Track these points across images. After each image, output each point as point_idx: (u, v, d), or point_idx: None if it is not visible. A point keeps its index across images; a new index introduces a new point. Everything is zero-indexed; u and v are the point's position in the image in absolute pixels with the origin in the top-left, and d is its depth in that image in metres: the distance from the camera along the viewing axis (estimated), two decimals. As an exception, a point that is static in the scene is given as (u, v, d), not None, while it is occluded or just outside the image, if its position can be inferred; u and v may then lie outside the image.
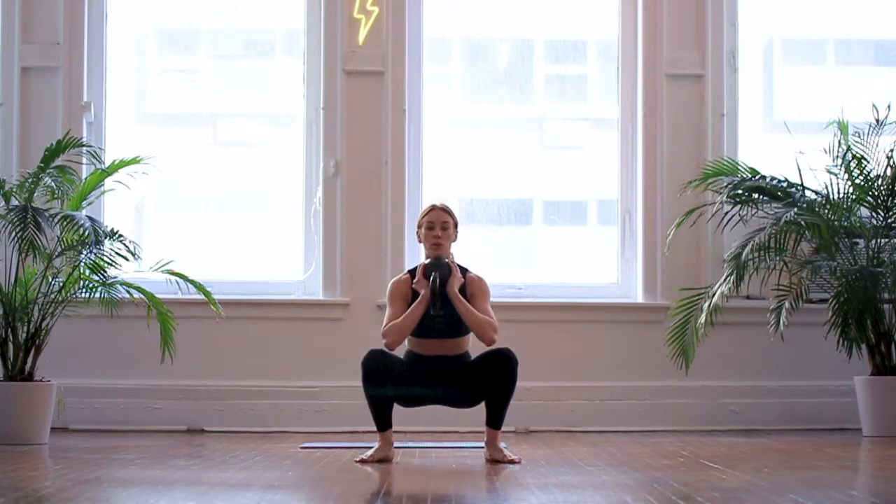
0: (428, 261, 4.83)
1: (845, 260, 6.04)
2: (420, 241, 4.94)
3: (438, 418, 6.23)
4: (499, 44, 6.94)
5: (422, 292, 4.77)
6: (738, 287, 5.94)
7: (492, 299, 4.90)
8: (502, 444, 4.84)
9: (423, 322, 4.77)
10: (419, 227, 4.91)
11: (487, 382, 4.75)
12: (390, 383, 4.72)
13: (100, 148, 6.21)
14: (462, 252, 5.05)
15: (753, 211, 6.19)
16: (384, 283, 5.95)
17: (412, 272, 4.88)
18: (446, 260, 4.82)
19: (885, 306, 6.01)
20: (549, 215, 6.93)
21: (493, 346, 4.76)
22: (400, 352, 4.87)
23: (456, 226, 4.92)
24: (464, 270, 4.86)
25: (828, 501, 3.63)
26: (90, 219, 5.62)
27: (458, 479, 4.30)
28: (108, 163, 6.05)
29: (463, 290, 4.80)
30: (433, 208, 4.89)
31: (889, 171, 6.05)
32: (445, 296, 4.75)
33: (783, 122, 6.59)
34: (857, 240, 6.10)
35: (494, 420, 4.80)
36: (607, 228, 6.77)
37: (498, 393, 4.76)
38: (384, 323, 4.82)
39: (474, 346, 4.84)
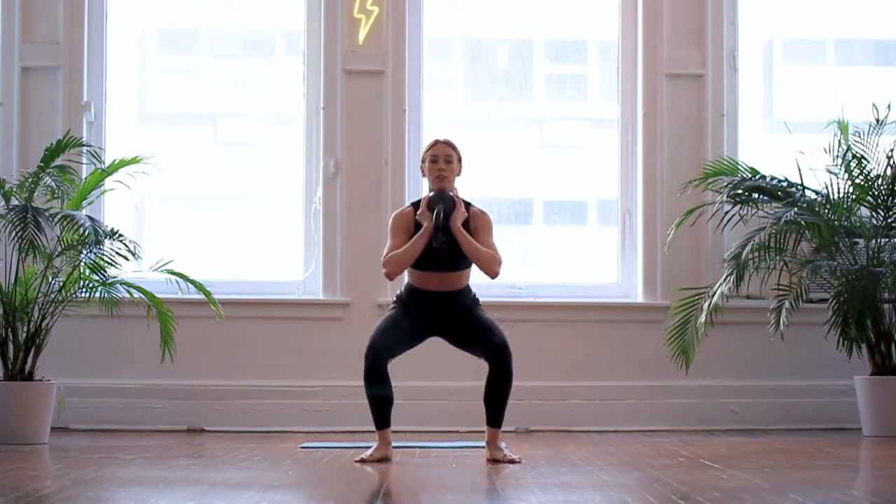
0: (432, 193, 4.84)
1: (845, 260, 6.04)
2: (424, 175, 4.95)
3: (438, 418, 6.24)
4: (499, 44, 6.94)
5: (425, 224, 4.78)
6: (738, 287, 5.94)
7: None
8: (502, 444, 4.84)
9: (425, 254, 4.78)
10: (423, 161, 4.93)
11: (483, 345, 4.78)
12: (394, 346, 4.79)
13: (100, 148, 6.21)
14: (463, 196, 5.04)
15: (753, 211, 6.19)
16: (384, 283, 5.95)
17: (415, 205, 4.90)
18: (451, 193, 4.83)
19: (885, 306, 6.01)
20: (549, 215, 6.93)
21: (493, 339, 4.75)
22: (400, 284, 4.88)
23: (460, 160, 4.94)
24: (467, 205, 4.88)
25: (828, 501, 3.63)
26: (90, 218, 5.62)
27: (458, 479, 4.30)
28: (108, 162, 6.05)
29: (467, 224, 4.82)
30: (437, 143, 4.92)
31: (889, 171, 6.06)
32: (449, 229, 4.76)
33: (783, 122, 6.59)
34: (857, 240, 6.10)
35: (494, 419, 4.81)
36: (607, 228, 6.77)
37: (495, 389, 4.77)
38: (384, 253, 4.83)
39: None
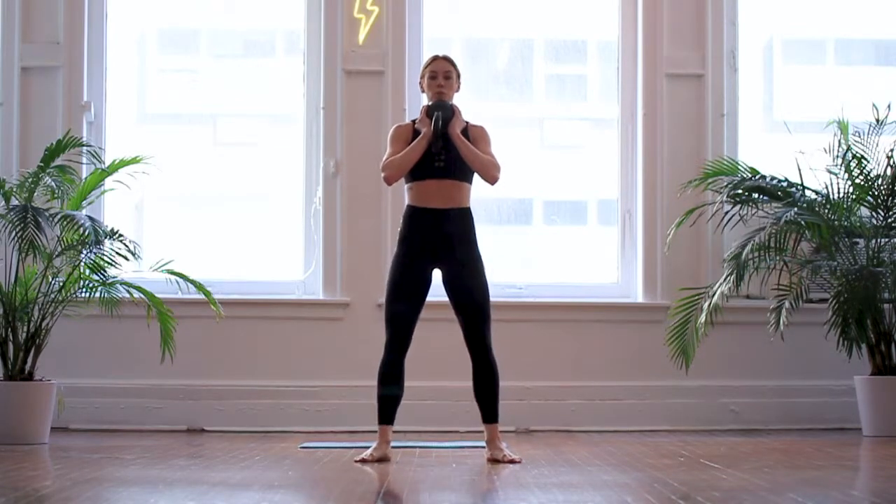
0: (431, 103, 4.88)
1: (845, 260, 6.04)
2: (423, 91, 4.99)
3: (438, 418, 6.24)
4: (499, 44, 6.95)
5: (423, 130, 4.81)
6: (738, 287, 5.94)
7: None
8: (503, 444, 4.84)
9: (423, 160, 4.80)
10: (422, 77, 4.97)
11: (473, 379, 4.81)
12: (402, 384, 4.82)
13: (100, 148, 6.21)
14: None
15: (753, 211, 6.19)
16: (384, 283, 5.95)
17: (416, 121, 4.93)
18: (450, 103, 4.86)
19: (885, 306, 6.01)
20: (549, 215, 6.93)
21: (474, 332, 4.78)
22: (398, 211, 4.90)
23: (459, 76, 4.98)
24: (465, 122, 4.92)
25: (828, 501, 3.63)
26: (90, 218, 5.62)
27: (458, 479, 4.30)
28: (108, 162, 6.05)
29: (465, 134, 4.86)
30: (436, 58, 4.95)
31: (889, 171, 6.06)
32: (447, 137, 4.78)
33: (783, 122, 6.59)
34: (857, 239, 6.10)
35: (488, 413, 4.82)
36: (607, 228, 6.77)
37: (482, 383, 4.79)
38: (383, 160, 4.87)
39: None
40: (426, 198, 4.83)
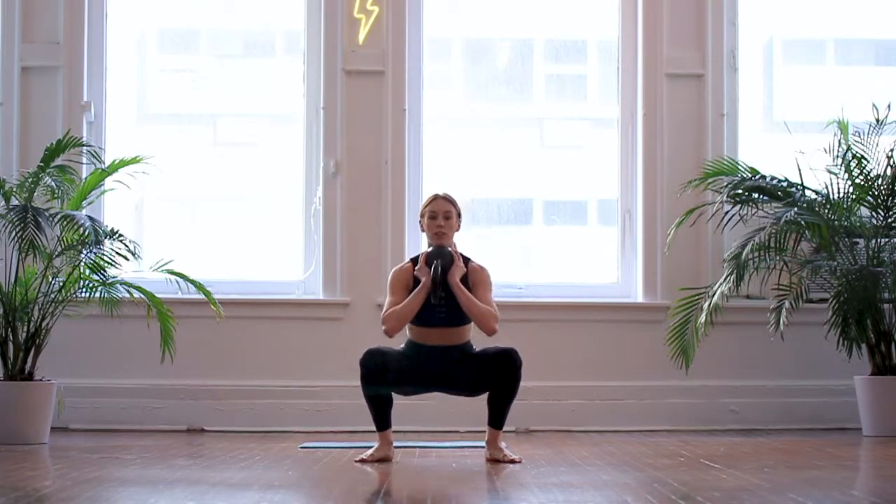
0: (430, 249, 4.84)
1: (845, 260, 6.04)
2: (423, 231, 4.93)
3: (438, 418, 6.23)
4: (499, 44, 6.94)
5: (423, 280, 4.78)
6: (738, 287, 5.94)
7: (493, 299, 4.89)
8: (503, 444, 4.84)
9: (424, 310, 4.77)
10: (421, 216, 4.91)
11: (491, 382, 4.75)
12: (390, 382, 4.74)
13: (100, 147, 6.21)
14: (462, 250, 5.05)
15: (753, 211, 6.19)
16: (384, 282, 5.95)
17: (414, 260, 4.88)
18: (449, 249, 4.82)
19: (885, 306, 6.01)
20: (549, 215, 6.93)
21: (501, 346, 4.75)
22: (401, 340, 4.88)
23: (459, 215, 4.91)
24: (466, 260, 4.86)
25: (828, 501, 3.63)
26: (90, 218, 5.62)
27: (458, 479, 4.30)
28: (108, 162, 6.05)
29: (465, 279, 4.81)
30: (436, 198, 4.88)
31: (889, 171, 6.06)
32: (447, 285, 4.75)
33: (783, 122, 6.59)
34: (857, 239, 6.10)
35: (496, 420, 4.80)
36: (607, 228, 6.77)
37: (501, 394, 4.76)
38: (384, 310, 4.82)
39: (478, 340, 4.85)
40: (428, 339, 4.82)
